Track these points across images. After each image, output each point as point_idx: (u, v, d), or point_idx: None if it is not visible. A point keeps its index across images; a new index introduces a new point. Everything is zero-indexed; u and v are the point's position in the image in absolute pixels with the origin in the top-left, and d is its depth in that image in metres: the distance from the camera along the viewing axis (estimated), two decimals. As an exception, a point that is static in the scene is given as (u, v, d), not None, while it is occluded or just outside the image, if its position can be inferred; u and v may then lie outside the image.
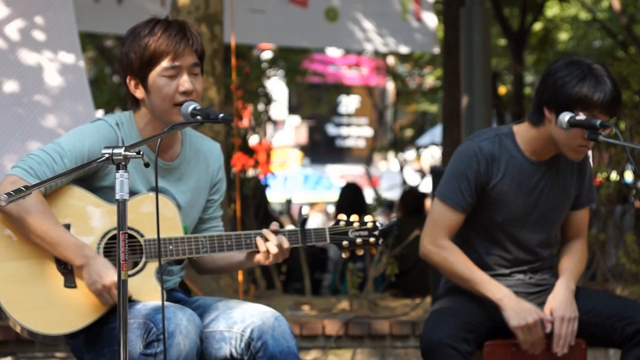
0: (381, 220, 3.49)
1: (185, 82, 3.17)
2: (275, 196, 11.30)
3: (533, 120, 3.66)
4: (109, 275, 3.06)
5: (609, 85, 3.52)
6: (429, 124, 22.24)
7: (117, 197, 2.63)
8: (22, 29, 5.25)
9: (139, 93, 3.21)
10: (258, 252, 3.25)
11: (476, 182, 3.66)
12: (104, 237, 3.16)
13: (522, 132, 3.71)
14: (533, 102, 3.69)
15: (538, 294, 3.78)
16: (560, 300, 3.67)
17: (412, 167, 20.82)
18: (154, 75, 3.17)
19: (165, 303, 3.00)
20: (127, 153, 2.64)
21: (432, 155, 20.08)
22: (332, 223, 3.39)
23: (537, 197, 3.72)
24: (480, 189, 3.68)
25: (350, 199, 9.03)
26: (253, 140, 7.66)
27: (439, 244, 3.67)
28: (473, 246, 3.75)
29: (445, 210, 3.69)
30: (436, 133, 17.32)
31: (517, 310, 3.59)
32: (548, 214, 3.74)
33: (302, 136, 31.76)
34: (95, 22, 8.49)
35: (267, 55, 15.81)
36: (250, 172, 7.42)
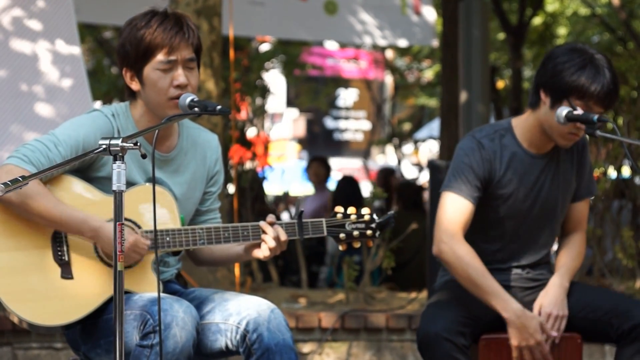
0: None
1: (179, 75, 3.16)
2: (272, 189, 11.28)
3: (531, 103, 3.65)
4: (126, 237, 3.06)
5: (608, 77, 3.49)
6: (427, 117, 22.23)
7: (114, 188, 2.63)
8: (20, 19, 5.24)
9: (135, 85, 3.21)
10: (256, 245, 3.25)
11: (481, 173, 3.63)
12: (100, 228, 3.15)
13: (521, 124, 3.69)
14: (532, 84, 3.68)
15: (534, 289, 3.78)
16: (551, 297, 3.65)
17: (410, 161, 20.82)
18: (149, 68, 3.16)
19: (162, 295, 3.00)
20: (125, 144, 2.64)
21: (430, 149, 20.07)
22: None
23: (538, 191, 3.70)
24: (485, 183, 3.65)
25: (347, 192, 9.03)
26: (251, 132, 7.65)
27: (454, 243, 3.57)
28: (473, 240, 3.72)
29: (456, 203, 3.61)
30: (434, 127, 17.31)
31: (521, 329, 3.55)
32: (549, 207, 3.73)
33: (300, 129, 31.73)
34: (96, 13, 8.49)
35: (265, 47, 15.79)
36: (248, 165, 7.42)
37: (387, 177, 11.13)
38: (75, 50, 5.32)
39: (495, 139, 3.67)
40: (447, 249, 3.59)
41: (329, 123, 32.27)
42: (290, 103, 29.18)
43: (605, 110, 3.56)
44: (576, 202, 3.83)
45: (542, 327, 3.58)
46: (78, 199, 3.14)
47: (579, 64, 3.49)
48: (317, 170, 9.76)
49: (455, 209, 3.61)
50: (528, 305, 3.75)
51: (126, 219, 3.12)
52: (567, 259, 3.78)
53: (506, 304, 3.56)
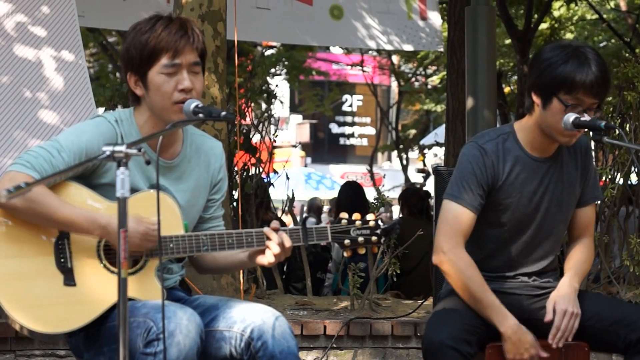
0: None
1: (184, 79, 3.14)
2: (277, 195, 11.25)
3: (527, 107, 3.64)
4: (136, 228, 3.05)
5: (594, 67, 3.45)
6: (433, 123, 22.23)
7: (118, 194, 2.61)
8: (23, 25, 5.23)
9: (139, 90, 3.19)
10: (260, 252, 3.23)
11: (484, 181, 3.61)
12: (103, 234, 3.13)
13: (523, 128, 3.68)
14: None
15: (541, 297, 3.75)
16: (564, 294, 3.62)
17: (416, 167, 20.82)
18: (154, 72, 3.15)
19: (166, 302, 2.98)
20: (129, 150, 2.62)
21: (437, 154, 20.05)
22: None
23: (542, 195, 3.68)
24: (488, 189, 3.62)
25: (350, 197, 8.98)
26: (255, 138, 7.62)
27: (455, 253, 3.55)
28: (478, 247, 3.71)
29: (458, 212, 3.59)
30: (440, 133, 17.29)
31: (516, 344, 3.52)
32: (553, 212, 3.70)
33: (305, 135, 31.75)
34: (100, 18, 8.49)
35: (270, 52, 15.80)
36: (252, 171, 7.38)
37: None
38: (79, 56, 5.31)
39: (498, 143, 3.66)
40: (448, 259, 3.57)
41: (334, 129, 32.29)
42: (294, 109, 29.21)
43: (599, 102, 3.51)
44: (582, 207, 3.80)
45: (536, 344, 3.55)
46: (81, 206, 3.12)
47: (563, 58, 3.47)
48: None
49: (456, 218, 3.59)
50: (535, 312, 3.72)
51: (129, 226, 3.10)
52: (577, 262, 3.74)
53: (503, 319, 3.54)
